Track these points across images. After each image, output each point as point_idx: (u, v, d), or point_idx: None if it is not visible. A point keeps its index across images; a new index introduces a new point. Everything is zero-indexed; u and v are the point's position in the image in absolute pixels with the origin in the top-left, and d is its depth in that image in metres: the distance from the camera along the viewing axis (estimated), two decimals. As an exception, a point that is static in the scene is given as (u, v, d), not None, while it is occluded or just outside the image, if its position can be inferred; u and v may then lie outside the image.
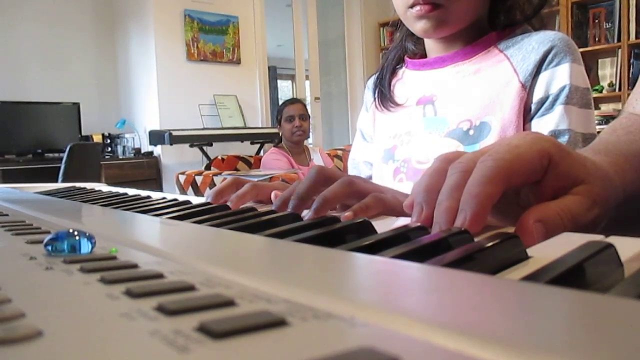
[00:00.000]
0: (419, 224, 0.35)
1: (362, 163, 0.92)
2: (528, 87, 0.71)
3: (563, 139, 0.68)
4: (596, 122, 0.73)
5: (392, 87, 0.85)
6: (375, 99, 0.87)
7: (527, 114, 0.71)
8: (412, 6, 0.72)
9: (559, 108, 0.68)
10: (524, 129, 0.71)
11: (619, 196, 0.38)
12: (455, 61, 0.78)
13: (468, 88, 0.76)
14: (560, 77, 0.69)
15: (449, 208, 0.33)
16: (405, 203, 0.39)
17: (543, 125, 0.69)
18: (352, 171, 0.94)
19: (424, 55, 0.85)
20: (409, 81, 0.84)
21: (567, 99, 0.68)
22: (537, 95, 0.70)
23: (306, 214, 0.46)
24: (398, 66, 0.88)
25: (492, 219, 0.39)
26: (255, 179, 0.58)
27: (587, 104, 0.70)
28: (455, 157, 0.37)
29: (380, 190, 0.49)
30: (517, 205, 0.37)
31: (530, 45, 0.72)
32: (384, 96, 0.85)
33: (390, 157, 0.82)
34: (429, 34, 0.76)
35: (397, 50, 0.88)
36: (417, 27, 0.74)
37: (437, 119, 0.77)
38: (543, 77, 0.70)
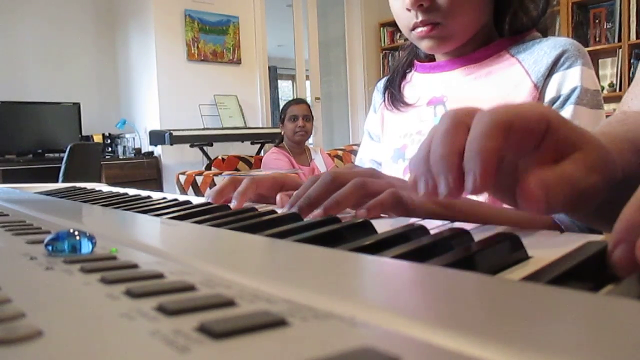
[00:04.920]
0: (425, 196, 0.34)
1: (369, 162, 0.93)
2: (540, 88, 0.72)
3: None
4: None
5: (402, 90, 0.87)
6: (385, 99, 0.89)
7: None
8: (413, 29, 0.75)
9: (569, 107, 0.70)
10: None
11: (617, 173, 0.38)
12: (466, 64, 0.79)
13: (480, 89, 0.77)
14: (571, 78, 0.71)
15: (444, 155, 0.32)
16: (409, 181, 0.38)
17: None
18: None
19: (434, 59, 0.86)
20: (419, 83, 0.86)
21: (578, 99, 0.70)
22: (549, 95, 0.72)
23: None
24: (407, 70, 0.89)
25: (493, 195, 0.39)
26: (248, 177, 0.58)
27: (597, 105, 0.71)
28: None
29: (393, 185, 0.48)
30: (516, 179, 0.37)
31: (542, 50, 0.73)
32: (394, 97, 0.86)
33: (400, 156, 0.83)
34: (434, 51, 0.79)
35: (409, 54, 0.90)
36: (422, 46, 0.77)
37: None
38: (555, 78, 0.72)
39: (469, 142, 0.32)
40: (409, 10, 0.73)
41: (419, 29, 0.74)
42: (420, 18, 0.73)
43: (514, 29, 0.77)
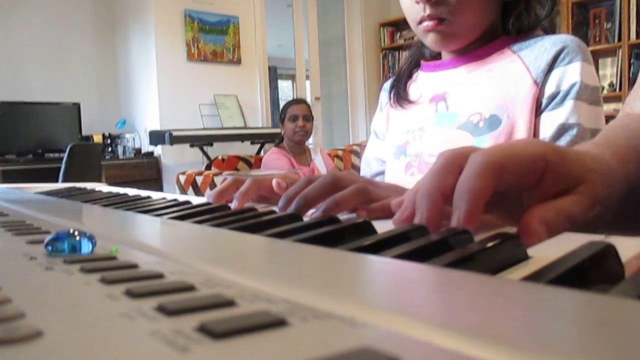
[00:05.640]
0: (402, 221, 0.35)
1: (374, 160, 0.95)
2: (540, 84, 0.72)
3: (571, 133, 0.70)
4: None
5: (407, 88, 0.88)
6: (391, 98, 0.90)
7: (538, 109, 0.73)
8: (420, 22, 0.76)
9: (569, 103, 0.70)
10: (534, 123, 0.72)
11: (622, 187, 0.38)
12: (469, 62, 0.80)
13: (480, 84, 0.78)
14: (571, 74, 0.71)
15: (427, 191, 0.34)
16: (393, 202, 0.39)
17: (553, 118, 0.71)
18: (363, 168, 0.98)
19: (439, 58, 0.87)
20: (423, 82, 0.87)
21: (577, 94, 0.70)
22: (549, 90, 0.72)
23: (312, 212, 0.46)
24: (414, 70, 0.90)
25: (498, 221, 0.39)
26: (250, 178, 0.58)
27: (596, 102, 0.71)
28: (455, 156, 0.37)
29: (398, 193, 0.48)
30: (522, 207, 0.37)
31: (543, 47, 0.74)
32: (400, 95, 0.88)
33: (402, 153, 0.84)
34: (439, 47, 0.80)
35: (414, 53, 0.91)
36: (427, 40, 0.78)
37: (449, 114, 0.79)
38: (555, 74, 0.72)
39: (460, 182, 0.33)
40: (417, 3, 0.74)
41: (426, 23, 0.75)
42: (427, 12, 0.74)
43: (518, 29, 0.78)
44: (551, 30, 0.80)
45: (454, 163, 0.35)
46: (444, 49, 0.82)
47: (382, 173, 0.92)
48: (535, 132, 0.72)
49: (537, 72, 0.72)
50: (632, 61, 3.94)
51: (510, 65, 0.76)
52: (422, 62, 0.89)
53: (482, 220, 0.37)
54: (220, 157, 3.01)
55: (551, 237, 0.32)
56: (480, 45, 0.79)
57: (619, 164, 0.39)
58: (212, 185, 2.46)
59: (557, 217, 0.32)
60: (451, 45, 0.79)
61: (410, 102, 0.86)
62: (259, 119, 4.66)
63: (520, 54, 0.75)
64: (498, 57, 0.78)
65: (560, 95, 0.71)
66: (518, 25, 0.77)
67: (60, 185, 1.02)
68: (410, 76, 0.90)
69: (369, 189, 0.48)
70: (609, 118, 0.63)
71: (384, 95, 0.95)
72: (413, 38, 0.91)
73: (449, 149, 0.37)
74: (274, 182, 0.56)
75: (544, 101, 0.72)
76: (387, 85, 0.94)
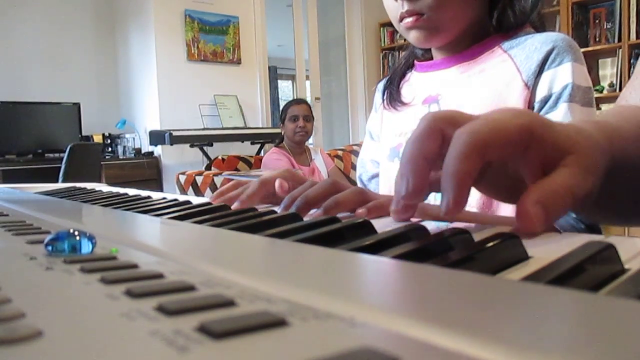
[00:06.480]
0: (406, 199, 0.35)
1: (369, 162, 0.94)
2: (531, 87, 0.71)
3: None
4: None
5: (400, 89, 0.87)
6: (384, 99, 0.89)
7: None
8: (401, 20, 0.76)
9: (562, 106, 0.69)
10: None
11: (607, 160, 0.38)
12: (461, 62, 0.79)
13: (472, 87, 0.77)
14: (562, 76, 0.70)
15: (410, 158, 0.35)
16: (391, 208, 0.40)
17: None
18: (359, 170, 0.97)
19: (432, 58, 0.86)
20: (416, 82, 0.86)
21: (570, 97, 0.69)
22: (540, 94, 0.71)
23: (313, 212, 0.47)
24: (408, 71, 0.90)
25: (484, 193, 0.39)
26: (256, 179, 0.58)
27: (589, 103, 0.70)
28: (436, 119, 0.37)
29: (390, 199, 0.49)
30: (507, 177, 0.37)
31: (534, 45, 0.72)
32: (392, 97, 0.87)
33: (396, 155, 0.83)
34: (422, 43, 0.79)
35: (408, 56, 0.90)
36: (410, 37, 0.77)
37: None
38: (546, 76, 0.71)
39: (446, 163, 0.33)
40: (396, 0, 0.74)
41: (406, 20, 0.74)
42: (405, 8, 0.73)
43: (504, 26, 0.77)
44: (541, 26, 0.79)
45: (435, 127, 0.35)
46: (428, 46, 0.81)
47: (378, 175, 0.92)
48: None
49: (527, 74, 0.71)
50: (632, 61, 3.93)
51: (502, 65, 0.75)
52: (416, 62, 0.88)
53: (480, 220, 0.37)
54: (220, 157, 3.01)
55: (554, 216, 0.32)
56: (471, 44, 0.78)
57: (605, 140, 0.39)
58: (212, 185, 2.46)
59: (558, 194, 0.32)
60: (434, 41, 0.77)
61: (403, 104, 0.85)
62: (259, 119, 4.66)
63: (511, 53, 0.74)
64: (489, 57, 0.76)
65: (553, 98, 0.70)
66: (504, 23, 0.76)
67: (60, 185, 1.02)
68: (403, 76, 0.89)
69: (367, 190, 0.49)
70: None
71: (378, 96, 0.94)
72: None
73: (430, 112, 0.37)
74: (277, 183, 0.56)
75: (536, 105, 0.71)
76: (381, 86, 0.93)
